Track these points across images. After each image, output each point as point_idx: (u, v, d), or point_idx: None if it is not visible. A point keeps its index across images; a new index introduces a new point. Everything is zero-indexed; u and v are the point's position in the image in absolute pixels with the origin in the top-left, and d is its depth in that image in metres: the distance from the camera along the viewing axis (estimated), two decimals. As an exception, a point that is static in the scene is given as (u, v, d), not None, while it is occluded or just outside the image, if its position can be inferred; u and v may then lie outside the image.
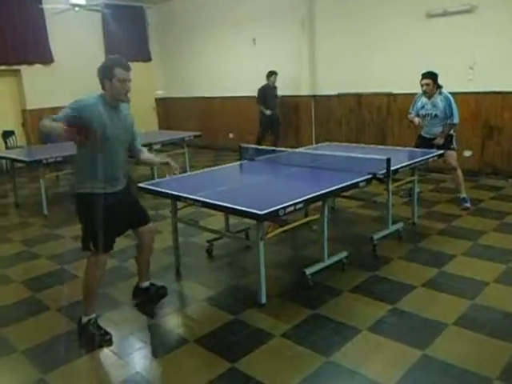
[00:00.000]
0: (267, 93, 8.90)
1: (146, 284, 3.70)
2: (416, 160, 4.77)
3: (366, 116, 8.31)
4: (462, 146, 7.22)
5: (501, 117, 6.83)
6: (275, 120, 9.06)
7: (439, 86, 5.51)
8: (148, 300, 3.68)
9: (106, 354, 3.02)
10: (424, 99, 5.64)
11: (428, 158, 4.95)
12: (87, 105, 2.90)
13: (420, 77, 5.56)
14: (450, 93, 5.54)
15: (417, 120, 5.66)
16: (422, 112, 5.66)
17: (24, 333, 3.30)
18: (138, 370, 2.84)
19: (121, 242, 4.82)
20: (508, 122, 6.79)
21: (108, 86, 2.93)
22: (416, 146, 5.68)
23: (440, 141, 5.52)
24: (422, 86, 5.54)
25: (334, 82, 8.67)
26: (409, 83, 6.53)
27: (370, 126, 8.27)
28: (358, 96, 8.36)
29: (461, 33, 6.90)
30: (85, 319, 3.19)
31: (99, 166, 2.94)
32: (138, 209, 3.46)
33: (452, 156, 5.58)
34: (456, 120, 5.44)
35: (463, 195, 5.64)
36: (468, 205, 5.57)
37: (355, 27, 8.12)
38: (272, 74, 8.84)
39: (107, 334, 3.16)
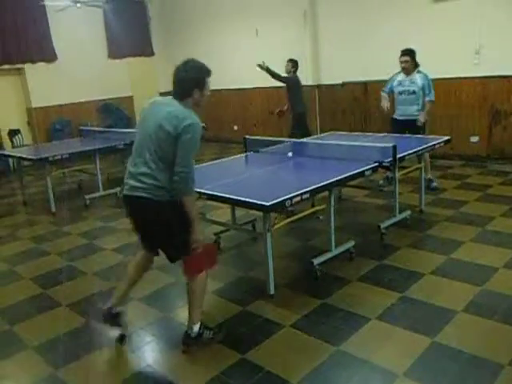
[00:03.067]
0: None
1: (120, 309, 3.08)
2: (422, 147, 4.73)
3: (372, 104, 8.20)
4: (468, 131, 7.18)
5: (508, 101, 6.75)
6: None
7: (417, 65, 5.61)
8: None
9: (117, 348, 3.04)
10: (402, 76, 5.69)
11: (434, 145, 4.92)
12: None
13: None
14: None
15: (385, 105, 5.74)
16: (399, 89, 5.71)
17: (35, 329, 3.33)
18: (149, 363, 2.86)
19: (124, 238, 4.90)
20: (515, 106, 6.72)
21: (197, 95, 2.74)
22: (391, 132, 5.78)
23: (423, 118, 5.55)
24: (401, 62, 5.62)
25: (338, 70, 8.59)
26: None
27: (377, 114, 8.18)
28: (364, 84, 8.29)
29: (467, 17, 6.80)
30: (195, 328, 2.90)
31: None
32: None
33: None
34: (433, 97, 5.56)
35: (429, 176, 5.80)
36: (435, 184, 5.83)
37: (358, 13, 8.04)
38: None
39: (220, 329, 3.04)
